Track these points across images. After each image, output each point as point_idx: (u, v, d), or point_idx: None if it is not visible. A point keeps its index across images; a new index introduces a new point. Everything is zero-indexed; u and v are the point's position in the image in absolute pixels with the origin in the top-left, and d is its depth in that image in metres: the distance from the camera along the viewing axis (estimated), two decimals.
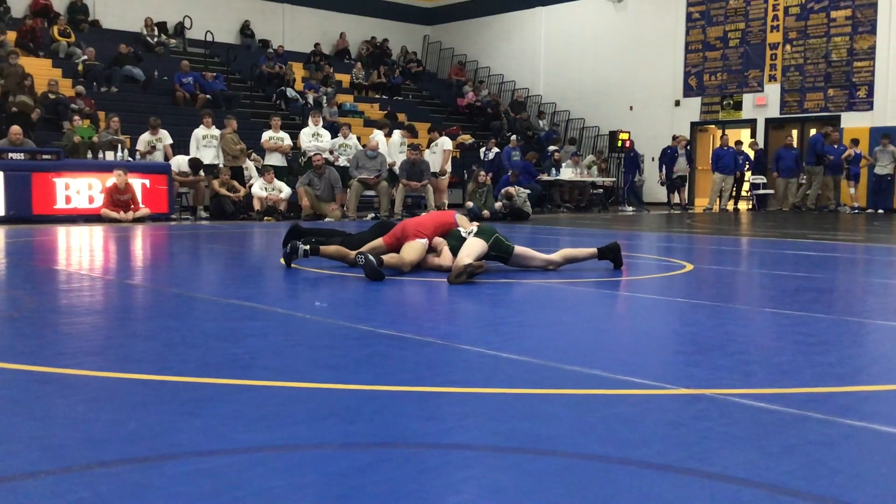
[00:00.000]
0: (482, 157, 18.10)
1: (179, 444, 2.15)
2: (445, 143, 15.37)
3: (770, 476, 1.94)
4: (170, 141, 14.20)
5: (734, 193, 19.06)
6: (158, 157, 13.98)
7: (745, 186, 19.63)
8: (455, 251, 5.90)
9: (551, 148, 19.11)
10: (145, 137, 14.08)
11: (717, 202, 18.76)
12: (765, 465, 2.01)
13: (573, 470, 2.00)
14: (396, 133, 15.51)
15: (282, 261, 6.31)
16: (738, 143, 18.94)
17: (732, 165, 18.37)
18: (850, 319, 4.29)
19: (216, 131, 14.22)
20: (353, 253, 6.09)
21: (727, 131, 20.22)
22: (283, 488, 1.84)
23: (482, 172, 14.53)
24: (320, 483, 1.89)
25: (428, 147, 15.43)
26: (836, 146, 18.03)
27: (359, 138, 16.16)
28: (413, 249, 5.92)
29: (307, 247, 6.11)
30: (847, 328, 4.05)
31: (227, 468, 1.98)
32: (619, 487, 1.88)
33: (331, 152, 14.69)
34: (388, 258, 5.78)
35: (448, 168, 15.38)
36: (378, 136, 14.91)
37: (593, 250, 6.24)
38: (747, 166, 18.75)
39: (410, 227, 6.06)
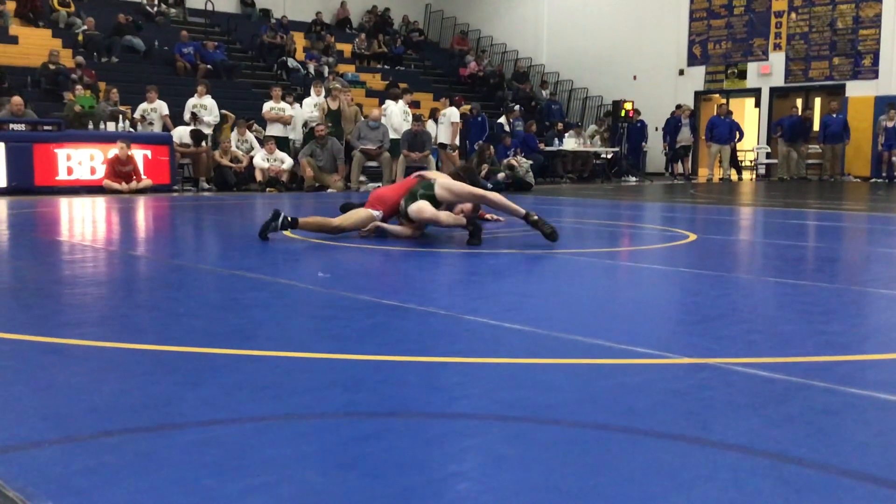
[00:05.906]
0: (507, 129, 16.95)
1: (183, 413, 2.16)
2: (454, 114, 15.13)
3: (773, 444, 1.94)
4: (166, 111, 14.10)
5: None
6: (154, 126, 13.91)
7: (741, 156, 19.57)
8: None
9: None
10: (143, 106, 14.03)
11: (719, 171, 18.72)
12: (767, 434, 2.01)
13: (576, 439, 2.00)
14: (391, 103, 15.05)
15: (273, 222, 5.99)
16: (730, 112, 18.84)
17: (727, 135, 18.32)
18: (853, 288, 4.29)
19: (207, 101, 14.16)
20: (336, 220, 6.13)
21: (731, 100, 20.09)
22: (288, 457, 1.84)
23: (490, 147, 14.40)
24: (324, 452, 1.90)
25: (430, 118, 15.30)
26: (834, 115, 17.94)
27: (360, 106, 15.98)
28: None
29: (287, 219, 5.96)
30: (850, 297, 4.04)
31: (231, 437, 1.99)
32: (621, 456, 1.88)
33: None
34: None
35: (457, 142, 15.22)
36: (391, 106, 14.77)
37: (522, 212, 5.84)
38: (738, 136, 18.65)
39: (391, 198, 6.21)
